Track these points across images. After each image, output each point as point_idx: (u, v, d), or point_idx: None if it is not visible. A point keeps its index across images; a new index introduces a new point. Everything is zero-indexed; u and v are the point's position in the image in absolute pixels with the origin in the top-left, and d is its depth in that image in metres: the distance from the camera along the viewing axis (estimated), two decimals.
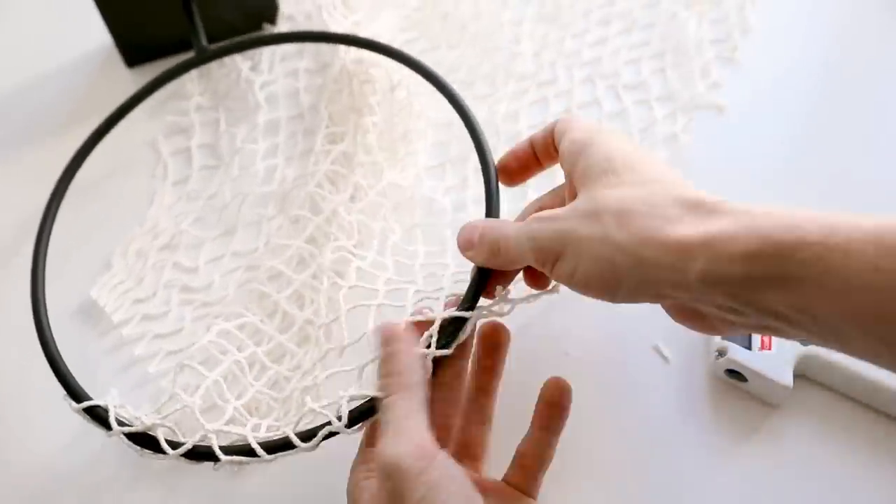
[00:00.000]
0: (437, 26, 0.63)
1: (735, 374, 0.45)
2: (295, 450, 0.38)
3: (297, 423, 0.40)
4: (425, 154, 0.57)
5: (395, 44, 0.56)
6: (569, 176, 0.39)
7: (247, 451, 0.39)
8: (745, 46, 0.62)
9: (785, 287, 0.30)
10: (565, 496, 0.43)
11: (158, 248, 0.55)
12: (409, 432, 0.34)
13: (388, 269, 0.48)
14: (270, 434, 0.40)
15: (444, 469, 0.33)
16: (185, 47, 0.65)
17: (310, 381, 0.45)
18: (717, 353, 0.45)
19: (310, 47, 0.63)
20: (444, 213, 0.54)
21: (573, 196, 0.38)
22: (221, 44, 0.57)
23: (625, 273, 0.34)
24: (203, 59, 0.57)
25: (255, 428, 0.42)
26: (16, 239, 0.56)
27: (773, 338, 0.44)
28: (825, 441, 0.44)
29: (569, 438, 0.41)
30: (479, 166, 0.45)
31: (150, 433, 0.40)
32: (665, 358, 0.47)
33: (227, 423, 0.40)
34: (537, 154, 0.43)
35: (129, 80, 0.65)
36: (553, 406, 0.41)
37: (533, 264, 0.38)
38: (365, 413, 0.38)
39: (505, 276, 0.42)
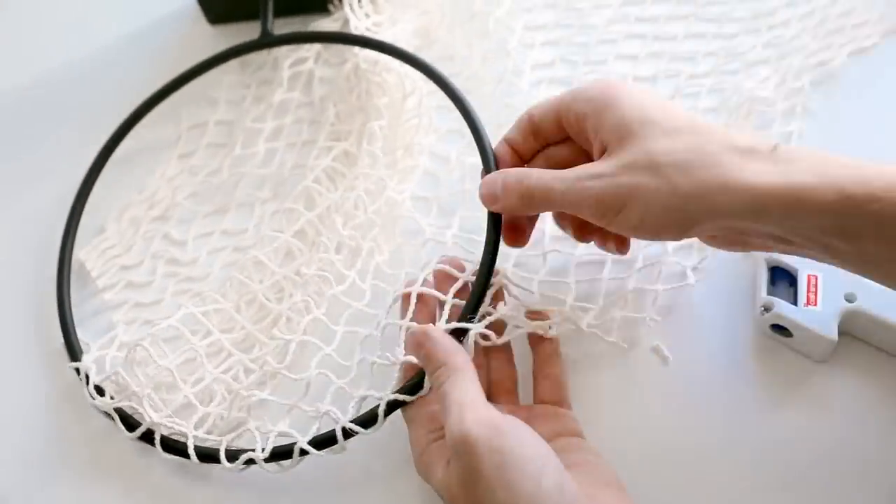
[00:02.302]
0: (446, 38, 0.62)
1: (780, 329, 0.45)
2: (220, 465, 0.41)
3: (233, 438, 0.42)
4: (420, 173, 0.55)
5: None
6: (594, 133, 0.39)
7: (183, 450, 0.42)
8: None
9: (852, 235, 0.34)
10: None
11: (152, 218, 0.55)
12: (472, 406, 0.34)
13: (364, 297, 0.47)
14: (208, 437, 0.42)
15: (515, 433, 0.34)
16: None
17: (260, 396, 0.45)
18: (762, 309, 0.45)
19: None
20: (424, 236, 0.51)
21: (601, 152, 0.39)
22: (286, 33, 0.58)
23: (697, 219, 0.36)
24: (264, 44, 0.58)
25: (201, 422, 0.43)
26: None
27: (819, 294, 0.44)
28: (870, 397, 0.44)
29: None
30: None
31: (108, 413, 0.43)
32: (666, 358, 0.46)
33: (172, 415, 0.43)
34: (541, 132, 0.43)
35: (212, 36, 0.65)
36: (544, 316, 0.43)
37: (588, 217, 0.39)
38: (283, 454, 0.40)
39: (518, 228, 0.44)
